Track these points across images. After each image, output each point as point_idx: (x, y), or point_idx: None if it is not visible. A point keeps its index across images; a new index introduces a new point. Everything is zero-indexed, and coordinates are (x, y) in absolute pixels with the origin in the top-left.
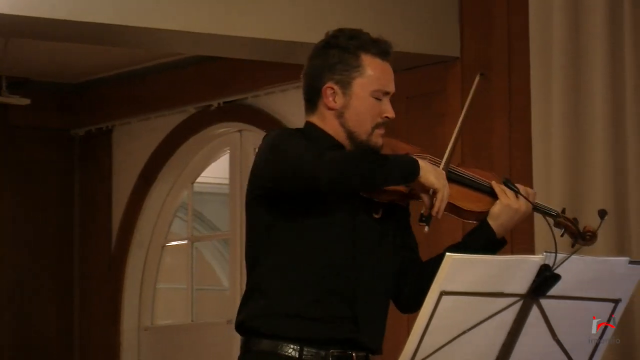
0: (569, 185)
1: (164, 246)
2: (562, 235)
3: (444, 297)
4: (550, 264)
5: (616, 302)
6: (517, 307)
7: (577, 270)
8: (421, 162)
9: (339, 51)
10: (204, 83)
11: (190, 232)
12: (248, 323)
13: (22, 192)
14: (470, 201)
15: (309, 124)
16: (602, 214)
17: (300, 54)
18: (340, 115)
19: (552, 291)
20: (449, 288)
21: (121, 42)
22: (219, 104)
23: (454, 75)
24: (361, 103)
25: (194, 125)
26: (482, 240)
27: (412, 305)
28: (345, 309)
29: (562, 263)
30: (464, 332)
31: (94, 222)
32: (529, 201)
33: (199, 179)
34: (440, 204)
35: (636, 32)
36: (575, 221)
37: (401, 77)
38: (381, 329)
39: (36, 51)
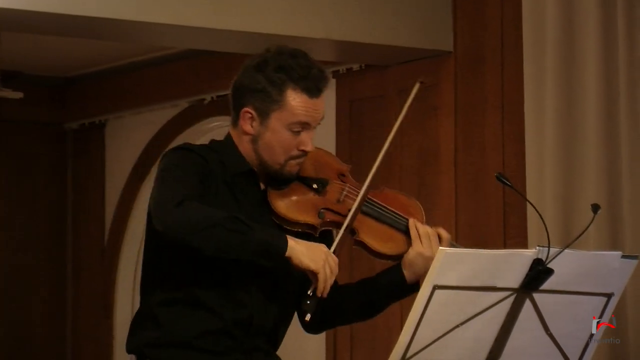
0: (562, 180)
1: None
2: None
3: (437, 291)
4: (543, 258)
5: (609, 296)
6: (510, 301)
7: (569, 264)
8: (293, 245)
9: (265, 79)
10: (197, 77)
11: None
12: (139, 350)
13: (15, 186)
14: (382, 240)
15: (228, 137)
16: (595, 208)
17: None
18: (254, 141)
19: (545, 285)
20: (441, 282)
21: (114, 36)
22: (212, 97)
23: (447, 69)
24: (276, 136)
25: (187, 119)
26: (392, 284)
27: (315, 327)
28: (234, 343)
29: (554, 257)
30: (457, 326)
31: (86, 216)
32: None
33: None
34: (323, 286)
35: (629, 26)
36: None
37: (395, 70)
38: (274, 345)
39: (29, 45)
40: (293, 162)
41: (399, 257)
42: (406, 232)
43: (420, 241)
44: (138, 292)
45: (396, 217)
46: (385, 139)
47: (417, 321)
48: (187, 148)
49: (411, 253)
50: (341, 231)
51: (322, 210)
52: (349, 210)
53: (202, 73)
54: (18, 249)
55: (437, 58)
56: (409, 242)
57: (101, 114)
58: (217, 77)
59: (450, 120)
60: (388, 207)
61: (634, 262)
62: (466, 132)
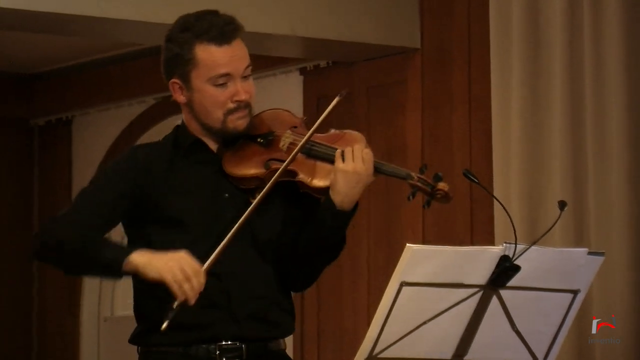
0: (528, 176)
1: (124, 236)
2: (409, 198)
3: (404, 288)
4: (510, 255)
5: (575, 292)
6: (477, 297)
7: (536, 260)
8: (134, 258)
9: (175, 45)
10: None
11: None
12: (137, 340)
13: None
14: (319, 177)
15: (176, 125)
16: (562, 205)
17: (266, 46)
18: (190, 108)
19: (512, 282)
20: (409, 279)
21: (80, 32)
22: None
23: (415, 66)
24: (202, 95)
25: (153, 115)
26: (326, 213)
27: (296, 284)
28: (223, 313)
29: (521, 254)
30: (424, 323)
31: (52, 212)
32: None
33: None
34: (178, 294)
35: (595, 21)
36: (434, 180)
37: (362, 67)
38: (281, 311)
39: None
40: (233, 116)
41: None
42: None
43: (342, 158)
44: (104, 289)
45: (329, 149)
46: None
47: (384, 317)
48: (117, 159)
49: (334, 175)
50: (277, 173)
51: (268, 161)
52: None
53: None
54: None
55: (404, 54)
56: None
57: (68, 110)
58: None
59: (417, 116)
60: (325, 143)
61: (600, 258)
62: (433, 128)
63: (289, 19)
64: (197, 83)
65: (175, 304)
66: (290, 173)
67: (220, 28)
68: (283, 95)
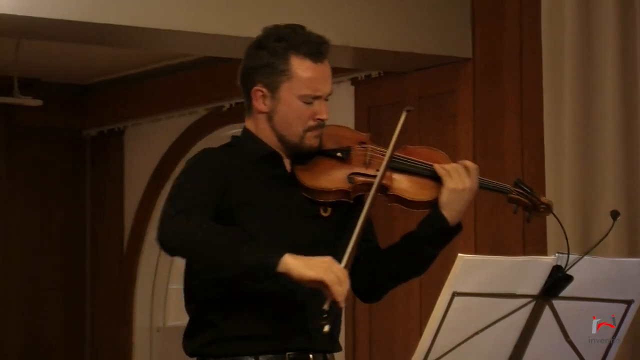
0: (580, 186)
1: None
2: (514, 212)
3: (456, 298)
4: (563, 265)
5: (629, 303)
6: (529, 308)
7: (589, 271)
8: (287, 260)
9: (268, 53)
10: (215, 84)
11: None
12: (199, 350)
13: (33, 194)
14: (415, 190)
15: (244, 130)
16: (615, 215)
17: None
18: (269, 118)
19: (565, 292)
20: (460, 289)
21: (132, 43)
22: (230, 105)
23: (466, 76)
24: (289, 108)
25: (205, 126)
26: (434, 229)
27: (371, 295)
28: (297, 324)
29: (574, 264)
30: (476, 333)
31: (105, 223)
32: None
33: None
34: (336, 295)
35: None
36: (529, 193)
37: (413, 77)
38: (335, 329)
39: (47, 52)
40: (311, 134)
41: (434, 203)
42: (434, 176)
43: (450, 177)
44: (157, 299)
45: (422, 165)
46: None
47: (436, 328)
48: (200, 157)
49: (445, 192)
50: (373, 189)
51: (350, 175)
52: (377, 170)
53: (219, 80)
54: (36, 256)
55: (455, 65)
56: (439, 186)
57: (119, 121)
58: (234, 84)
59: (468, 127)
60: (414, 158)
61: None
62: (484, 138)
63: (340, 29)
64: (287, 95)
65: (327, 306)
66: (381, 187)
67: (316, 44)
68: (335, 105)
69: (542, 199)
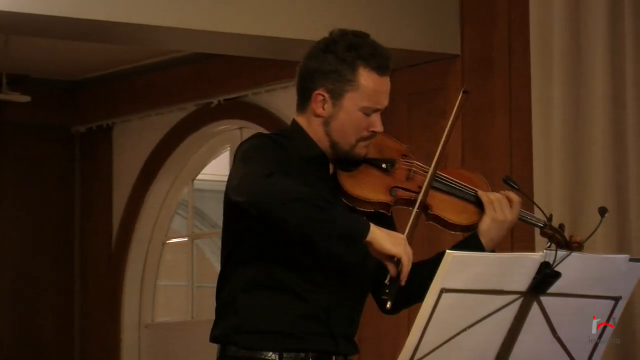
0: (569, 183)
1: (164, 243)
2: (548, 247)
3: (445, 295)
4: (551, 262)
5: (616, 299)
6: (517, 304)
7: (577, 267)
8: (374, 229)
9: (336, 59)
10: (204, 80)
11: (190, 229)
12: (224, 338)
13: (22, 190)
14: (456, 212)
15: (295, 124)
16: (603, 211)
17: (300, 52)
18: (326, 123)
19: (552, 288)
20: (449, 285)
21: (121, 39)
22: (219, 101)
23: (455, 72)
24: (349, 117)
25: (194, 122)
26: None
27: (393, 306)
28: (321, 327)
29: (562, 260)
30: (464, 330)
31: (94, 219)
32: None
33: (199, 176)
34: (405, 271)
35: (637, 28)
36: (561, 229)
37: (402, 74)
38: (355, 332)
39: (36, 48)
40: (362, 143)
41: (472, 228)
42: (476, 202)
43: (493, 207)
44: (145, 296)
45: (465, 189)
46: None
47: (424, 324)
48: (265, 136)
49: (486, 220)
50: (415, 207)
51: (393, 188)
52: (419, 187)
53: (209, 76)
54: (25, 252)
55: (444, 61)
56: (480, 212)
57: (108, 118)
58: (224, 81)
59: (457, 123)
60: (457, 180)
61: None
62: (473, 135)
63: (329, 25)
64: (349, 104)
65: (389, 281)
66: (423, 205)
67: (384, 58)
68: None
69: (574, 237)
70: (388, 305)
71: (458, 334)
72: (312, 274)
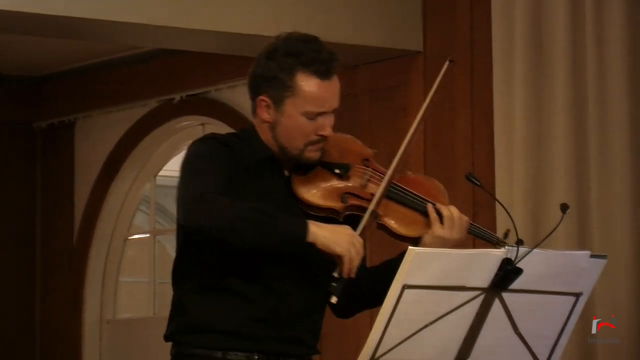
0: (531, 179)
1: (126, 239)
2: (505, 239)
3: (407, 291)
4: (512, 258)
5: (577, 295)
6: (479, 300)
7: (538, 264)
8: (314, 230)
9: (276, 66)
10: (166, 76)
11: (152, 226)
12: (174, 337)
13: None
14: (404, 224)
15: (251, 127)
16: (564, 208)
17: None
18: (272, 128)
19: (514, 285)
20: (411, 281)
21: (83, 35)
22: (181, 97)
23: (417, 69)
24: (292, 122)
25: (156, 118)
26: None
27: (345, 311)
28: (270, 330)
29: (523, 257)
30: (426, 326)
31: (56, 215)
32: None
33: (161, 172)
34: (348, 267)
35: (598, 26)
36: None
37: (364, 70)
38: (313, 335)
39: None
40: (312, 147)
41: (419, 240)
42: (425, 214)
43: (442, 223)
44: (107, 292)
45: (418, 200)
46: (410, 124)
47: (386, 321)
48: (213, 138)
49: (428, 237)
50: (366, 215)
51: (344, 194)
52: (372, 195)
53: (171, 72)
54: None
55: (406, 58)
56: (429, 223)
57: (70, 113)
58: (186, 77)
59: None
60: (411, 190)
61: (603, 261)
62: (435, 132)
63: (291, 22)
64: (290, 110)
65: (337, 274)
66: (372, 214)
67: (326, 62)
68: None
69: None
70: (333, 299)
71: (420, 330)
72: (266, 279)
